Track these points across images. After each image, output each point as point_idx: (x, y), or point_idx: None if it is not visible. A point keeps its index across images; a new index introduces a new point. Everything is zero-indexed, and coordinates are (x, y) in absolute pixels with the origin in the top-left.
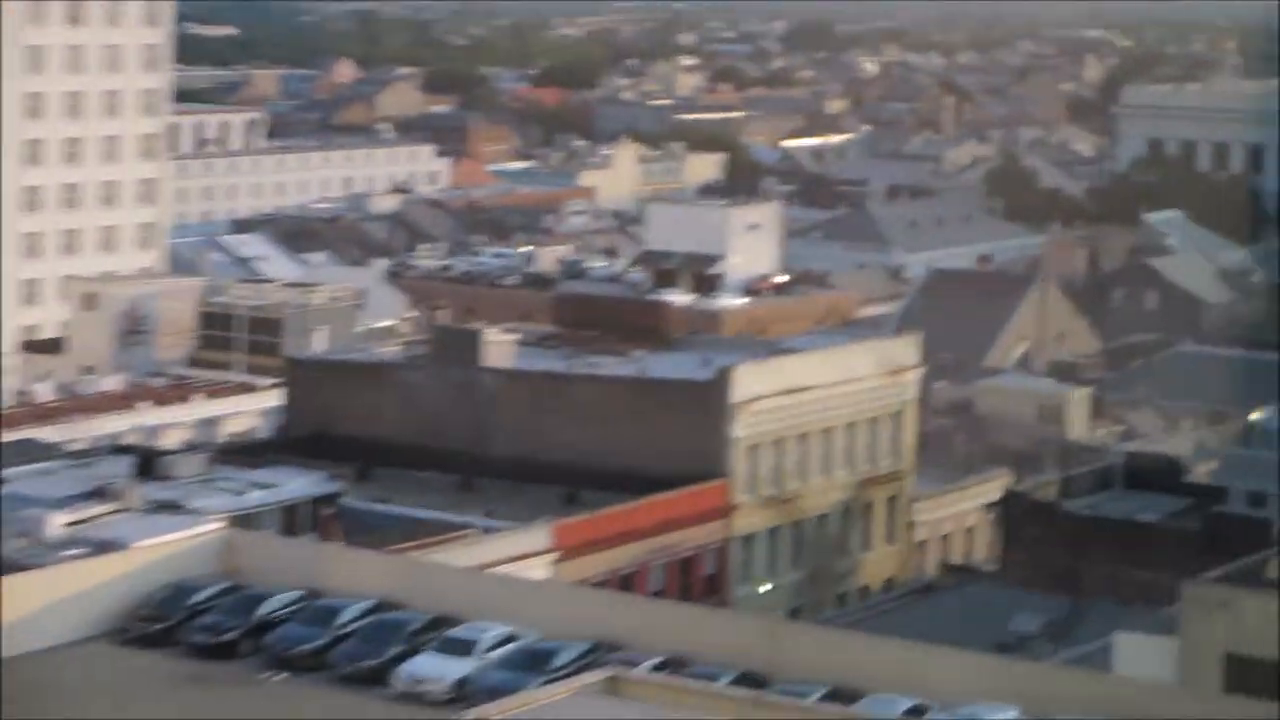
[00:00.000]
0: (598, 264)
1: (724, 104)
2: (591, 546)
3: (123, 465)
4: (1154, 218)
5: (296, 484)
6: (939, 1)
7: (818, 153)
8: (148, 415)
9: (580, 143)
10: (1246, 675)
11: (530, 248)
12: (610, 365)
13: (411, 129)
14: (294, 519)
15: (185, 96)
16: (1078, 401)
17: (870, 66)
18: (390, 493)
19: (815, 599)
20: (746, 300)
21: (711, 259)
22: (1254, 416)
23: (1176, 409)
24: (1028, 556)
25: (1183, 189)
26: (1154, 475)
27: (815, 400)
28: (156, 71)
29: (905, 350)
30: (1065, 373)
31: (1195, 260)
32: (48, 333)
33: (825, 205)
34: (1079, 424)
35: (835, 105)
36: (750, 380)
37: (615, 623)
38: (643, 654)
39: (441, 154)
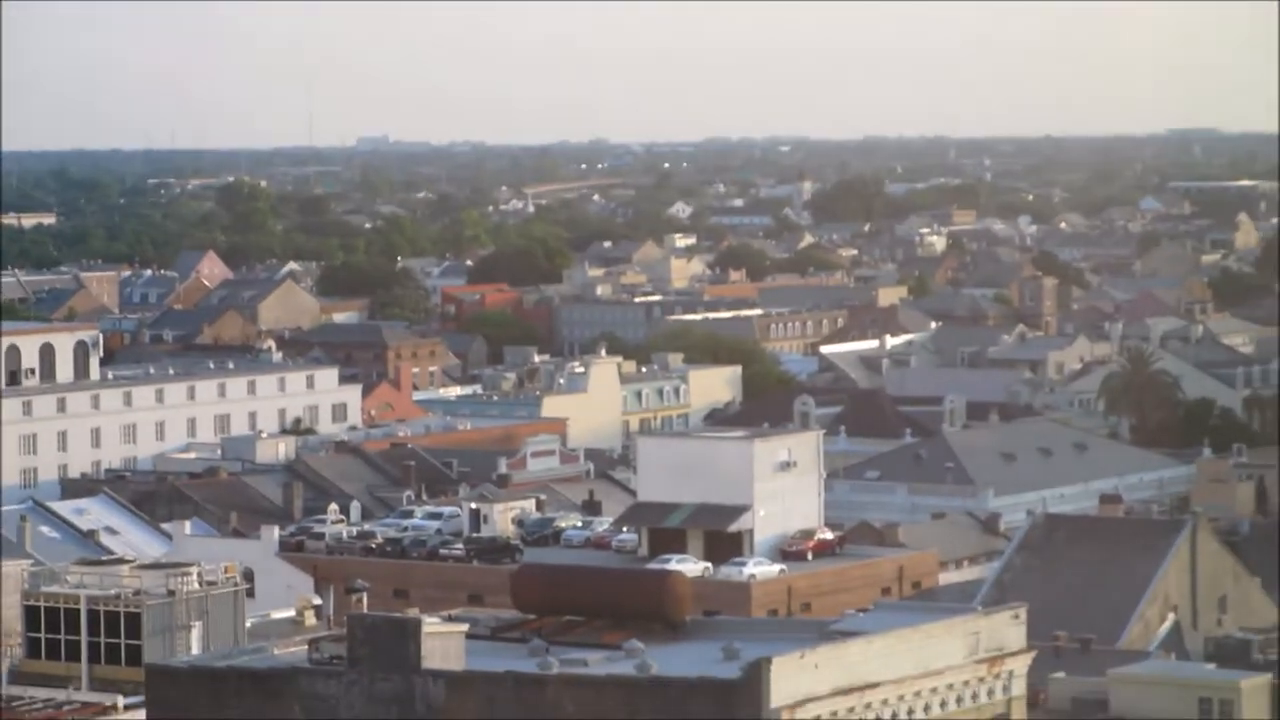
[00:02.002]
0: (573, 524)
1: (737, 298)
2: None
3: None
4: None
5: None
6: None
7: (870, 361)
8: None
9: (541, 358)
10: None
11: (479, 504)
12: (598, 662)
13: (307, 346)
14: None
15: None
16: (1253, 694)
17: (935, 239)
18: None
19: None
20: (781, 567)
21: (730, 511)
22: None
23: None
24: None
25: None
26: None
27: (886, 702)
28: None
29: (1007, 629)
30: (1233, 654)
31: None
32: None
33: (885, 433)
34: None
35: (890, 294)
36: (794, 677)
37: None
38: None
39: (350, 379)
